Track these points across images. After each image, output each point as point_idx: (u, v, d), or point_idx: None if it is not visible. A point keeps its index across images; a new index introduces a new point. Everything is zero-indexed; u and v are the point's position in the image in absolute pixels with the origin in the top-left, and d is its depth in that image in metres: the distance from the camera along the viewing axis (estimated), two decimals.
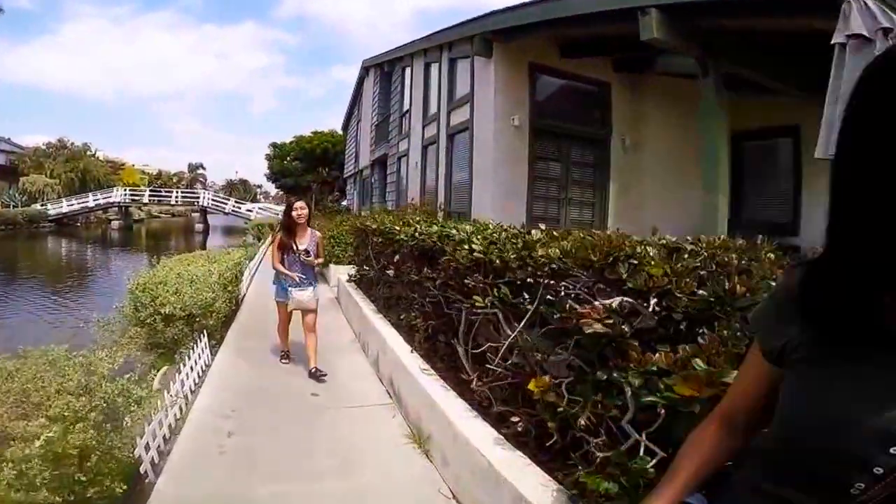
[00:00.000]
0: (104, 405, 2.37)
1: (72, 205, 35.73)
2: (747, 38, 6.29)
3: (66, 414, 2.15)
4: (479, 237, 3.18)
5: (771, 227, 8.31)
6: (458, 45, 10.55)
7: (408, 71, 14.89)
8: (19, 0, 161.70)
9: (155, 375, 5.14)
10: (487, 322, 3.00)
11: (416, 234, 4.30)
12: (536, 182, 9.11)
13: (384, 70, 17.74)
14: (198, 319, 4.93)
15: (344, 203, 29.88)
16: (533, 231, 2.95)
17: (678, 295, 1.78)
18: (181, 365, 4.31)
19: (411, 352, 4.10)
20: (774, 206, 9.32)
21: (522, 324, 2.56)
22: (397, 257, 4.91)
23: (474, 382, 3.10)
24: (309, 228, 4.90)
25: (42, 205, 35.06)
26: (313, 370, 4.64)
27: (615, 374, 1.81)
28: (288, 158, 39.18)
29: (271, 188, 59.79)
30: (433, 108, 12.05)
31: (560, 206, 9.50)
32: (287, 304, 4.81)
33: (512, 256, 2.72)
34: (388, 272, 5.13)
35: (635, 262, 1.99)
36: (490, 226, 3.43)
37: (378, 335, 4.74)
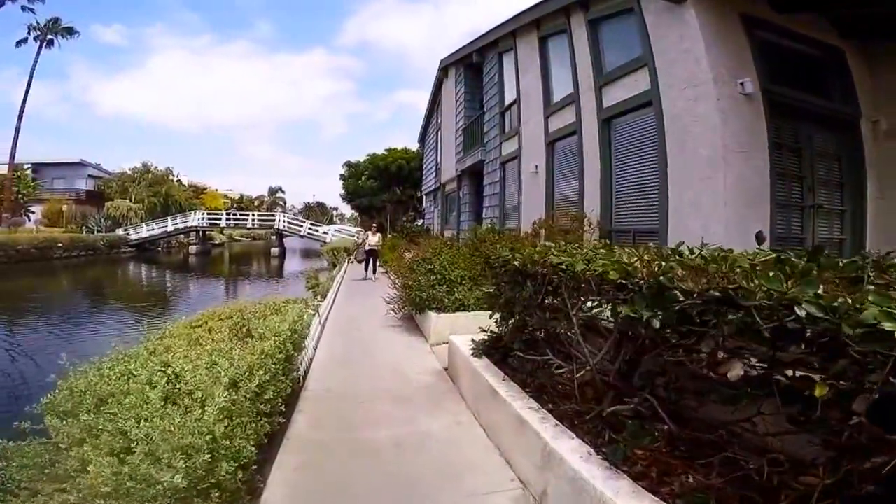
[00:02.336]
0: None
1: (152, 229, 35.78)
2: None
3: None
4: None
5: None
6: None
7: (508, 56, 11.90)
8: (110, 35, 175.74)
9: None
10: None
11: None
12: (777, 181, 5.70)
13: (471, 63, 14.90)
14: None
15: (420, 222, 27.32)
16: None
17: None
18: None
19: None
20: None
21: None
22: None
23: None
24: None
25: (125, 230, 35.44)
26: None
27: None
28: (363, 178, 37.34)
29: (346, 209, 58.93)
30: (563, 90, 8.88)
31: (804, 218, 6.00)
32: None
33: None
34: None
35: None
36: None
37: None
